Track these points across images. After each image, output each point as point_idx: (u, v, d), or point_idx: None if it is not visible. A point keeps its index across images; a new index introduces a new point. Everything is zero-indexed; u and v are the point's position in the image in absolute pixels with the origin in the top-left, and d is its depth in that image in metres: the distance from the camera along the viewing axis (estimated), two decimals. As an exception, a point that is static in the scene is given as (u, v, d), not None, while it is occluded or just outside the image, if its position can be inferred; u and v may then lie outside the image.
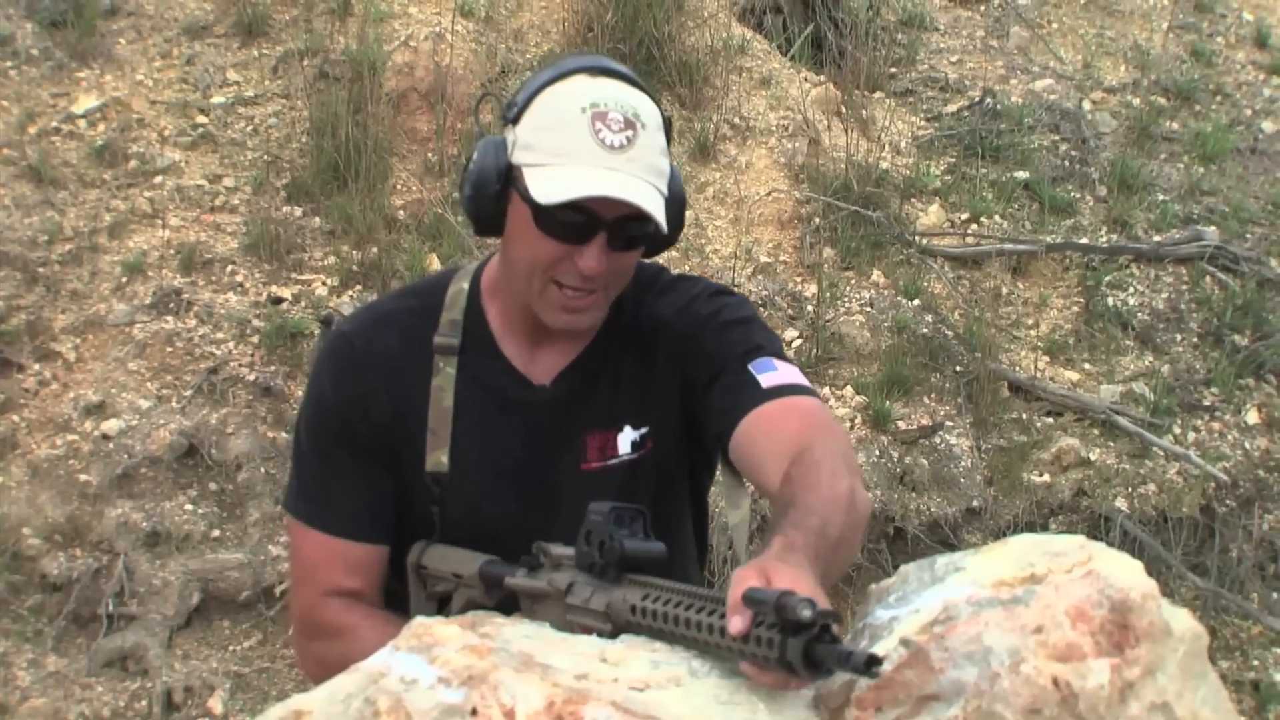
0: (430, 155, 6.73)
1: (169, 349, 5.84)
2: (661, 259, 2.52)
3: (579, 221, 2.21)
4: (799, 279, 6.81)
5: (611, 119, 2.22)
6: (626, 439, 2.42)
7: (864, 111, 7.78)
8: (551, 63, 2.38)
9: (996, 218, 7.46)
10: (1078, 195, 7.73)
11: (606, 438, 2.42)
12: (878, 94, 8.08)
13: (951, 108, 8.15)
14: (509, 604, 2.09)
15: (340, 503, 2.43)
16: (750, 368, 2.31)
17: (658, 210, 2.21)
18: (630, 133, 2.22)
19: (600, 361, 2.44)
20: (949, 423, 6.42)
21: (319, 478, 2.47)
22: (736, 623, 1.63)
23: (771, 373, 2.31)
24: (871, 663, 1.50)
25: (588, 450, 2.42)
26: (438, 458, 2.39)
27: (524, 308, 2.38)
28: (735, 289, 2.60)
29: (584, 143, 2.20)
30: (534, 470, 2.41)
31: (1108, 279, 7.27)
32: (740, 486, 2.43)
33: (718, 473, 2.54)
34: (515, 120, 2.30)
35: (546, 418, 2.42)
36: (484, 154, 2.31)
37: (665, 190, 2.26)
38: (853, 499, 2.04)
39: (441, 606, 2.34)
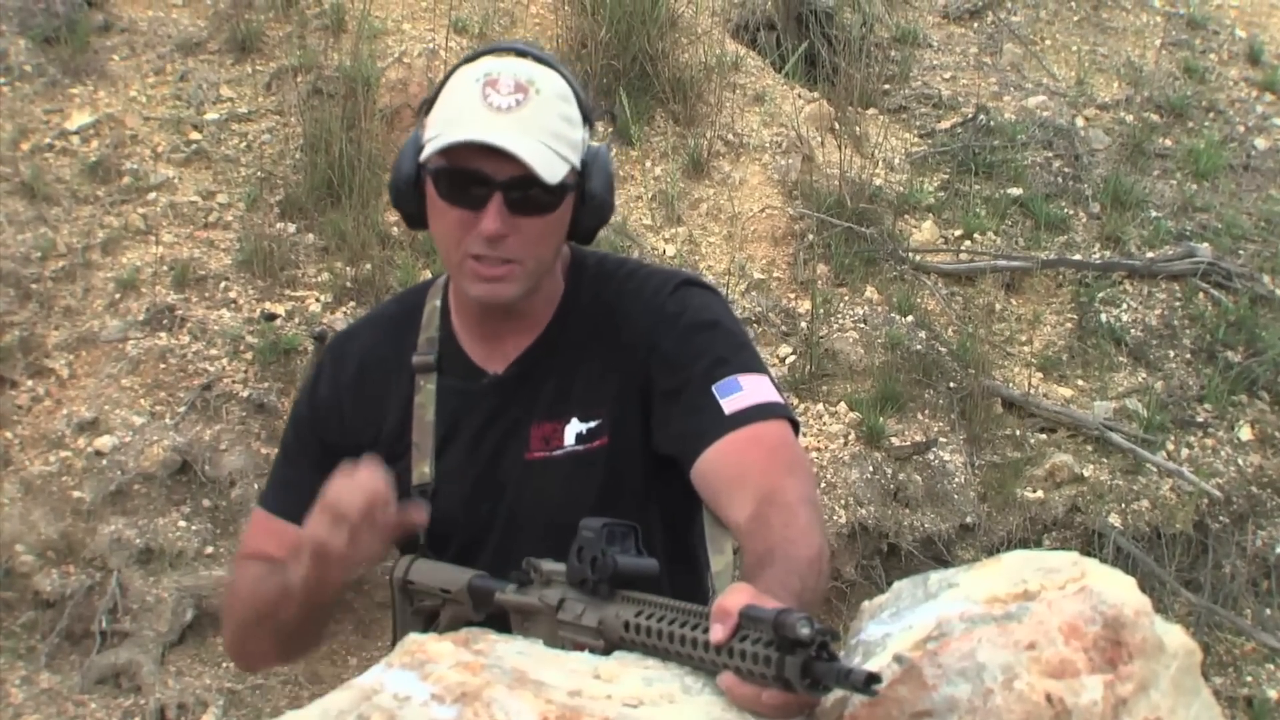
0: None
1: (162, 365, 5.84)
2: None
3: (472, 184, 2.23)
4: (792, 295, 6.82)
5: (502, 84, 2.25)
6: (572, 430, 2.40)
7: (857, 128, 7.79)
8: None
9: (990, 234, 7.47)
10: (1071, 212, 7.73)
11: (554, 428, 2.40)
12: (871, 110, 8.09)
13: (945, 124, 8.15)
14: (497, 620, 2.09)
15: (289, 486, 2.51)
16: (714, 390, 2.29)
17: (542, 163, 2.21)
18: (520, 95, 2.24)
19: (553, 350, 2.43)
20: (942, 439, 6.42)
21: (279, 469, 2.59)
22: (718, 631, 1.64)
23: (735, 395, 2.28)
24: (871, 680, 1.50)
25: (532, 440, 2.40)
26: (421, 469, 2.42)
27: (468, 300, 2.40)
28: (706, 280, 2.58)
29: (472, 107, 2.24)
30: (484, 460, 2.42)
31: (1101, 295, 7.28)
32: (723, 532, 2.41)
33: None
34: (427, 111, 2.35)
35: (496, 406, 2.42)
36: (403, 148, 2.37)
37: (566, 155, 2.27)
38: (824, 560, 2.07)
39: (428, 623, 2.34)
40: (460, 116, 2.24)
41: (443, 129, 2.25)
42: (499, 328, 2.42)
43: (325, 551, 2.17)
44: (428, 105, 2.36)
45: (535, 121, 2.24)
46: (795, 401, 6.34)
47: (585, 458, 2.39)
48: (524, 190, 2.23)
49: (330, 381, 2.52)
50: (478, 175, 2.22)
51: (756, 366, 2.36)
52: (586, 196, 2.34)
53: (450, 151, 2.23)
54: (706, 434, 2.27)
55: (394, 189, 2.37)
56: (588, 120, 2.37)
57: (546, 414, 2.41)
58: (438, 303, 2.51)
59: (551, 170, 2.23)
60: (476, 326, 2.44)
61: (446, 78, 2.35)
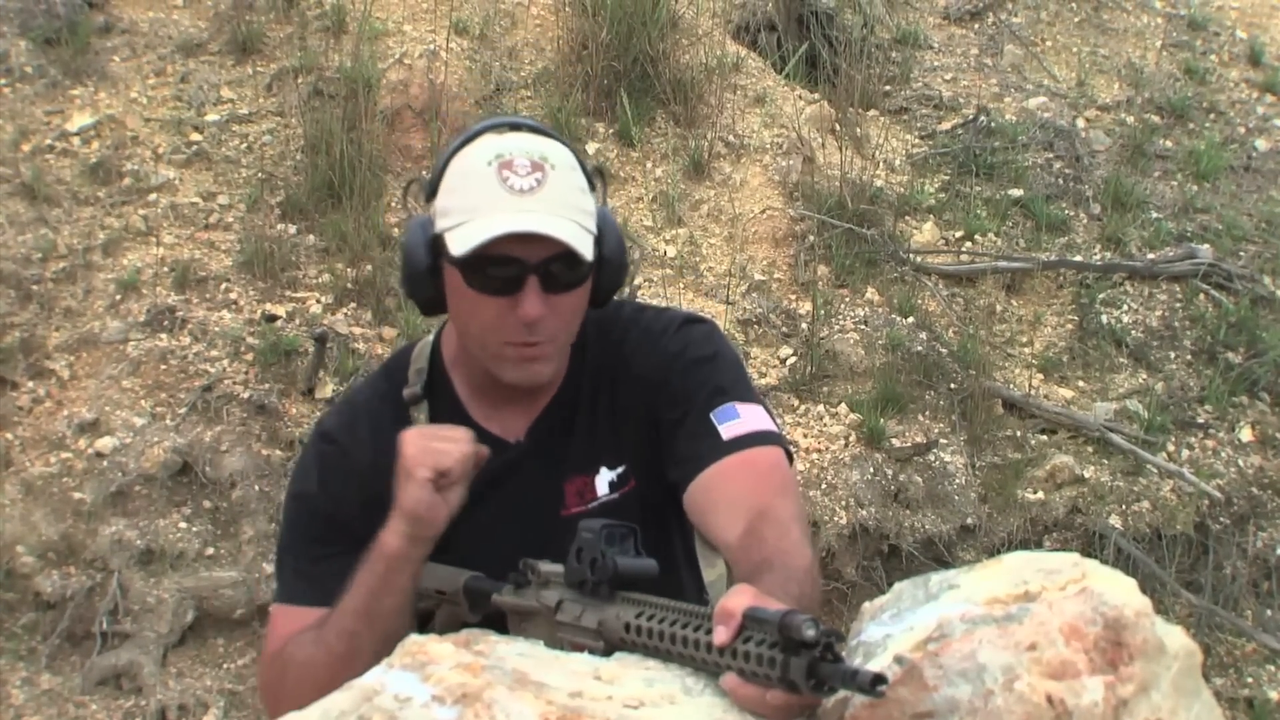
0: (424, 173, 6.72)
1: (163, 366, 5.84)
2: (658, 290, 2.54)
3: (506, 271, 2.22)
4: (793, 296, 6.82)
5: (518, 165, 2.23)
6: (604, 480, 2.43)
7: (858, 129, 7.79)
8: (461, 132, 2.40)
9: (990, 235, 7.47)
10: (1071, 213, 7.73)
11: (585, 481, 2.42)
12: (872, 112, 8.09)
13: (945, 125, 8.16)
14: (494, 621, 2.09)
15: (311, 575, 2.41)
16: (712, 417, 2.32)
17: (578, 241, 2.21)
18: (539, 174, 2.22)
19: (570, 407, 2.44)
20: (943, 440, 6.42)
21: (297, 566, 2.46)
22: (721, 633, 1.64)
23: (733, 421, 2.31)
24: (877, 681, 1.50)
25: (566, 497, 2.42)
26: None
27: (486, 372, 2.38)
28: (706, 316, 2.59)
29: (493, 192, 2.21)
30: (523, 527, 2.40)
31: (1102, 296, 7.28)
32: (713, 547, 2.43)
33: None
34: (433, 193, 2.32)
35: (524, 474, 2.42)
36: (411, 233, 2.33)
37: (590, 227, 2.27)
38: (816, 574, 2.10)
39: (424, 624, 2.34)
40: (484, 204, 2.22)
41: (467, 218, 2.22)
42: (515, 395, 2.42)
43: (445, 474, 2.19)
44: (431, 189, 2.33)
45: (559, 199, 2.23)
46: (796, 403, 6.35)
47: (620, 504, 2.42)
48: (558, 269, 2.23)
49: (342, 468, 2.43)
50: (511, 261, 2.21)
51: (753, 397, 2.40)
52: (604, 262, 2.34)
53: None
54: (704, 458, 2.30)
55: (409, 282, 2.34)
56: (592, 185, 2.37)
57: (577, 469, 2.43)
58: (430, 339, 2.52)
59: (585, 246, 2.23)
60: (491, 397, 2.43)
61: (447, 159, 2.32)
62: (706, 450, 2.30)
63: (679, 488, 2.33)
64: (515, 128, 2.33)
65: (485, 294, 2.24)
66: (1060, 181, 7.90)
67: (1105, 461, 6.59)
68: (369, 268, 6.26)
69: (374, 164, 6.59)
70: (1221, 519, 6.60)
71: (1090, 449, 6.65)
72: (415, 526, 2.20)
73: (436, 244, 2.28)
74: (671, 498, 2.40)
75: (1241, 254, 7.72)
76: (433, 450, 2.18)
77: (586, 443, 2.43)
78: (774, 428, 2.36)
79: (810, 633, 1.54)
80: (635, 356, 2.44)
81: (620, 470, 2.43)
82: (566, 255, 2.21)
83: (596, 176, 2.40)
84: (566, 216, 2.22)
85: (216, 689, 5.30)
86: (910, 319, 6.86)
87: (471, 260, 2.21)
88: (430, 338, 2.51)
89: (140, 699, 5.24)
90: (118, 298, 6.04)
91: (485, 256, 2.20)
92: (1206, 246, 7.59)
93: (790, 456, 2.37)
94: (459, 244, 2.21)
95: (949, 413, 6.54)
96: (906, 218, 7.44)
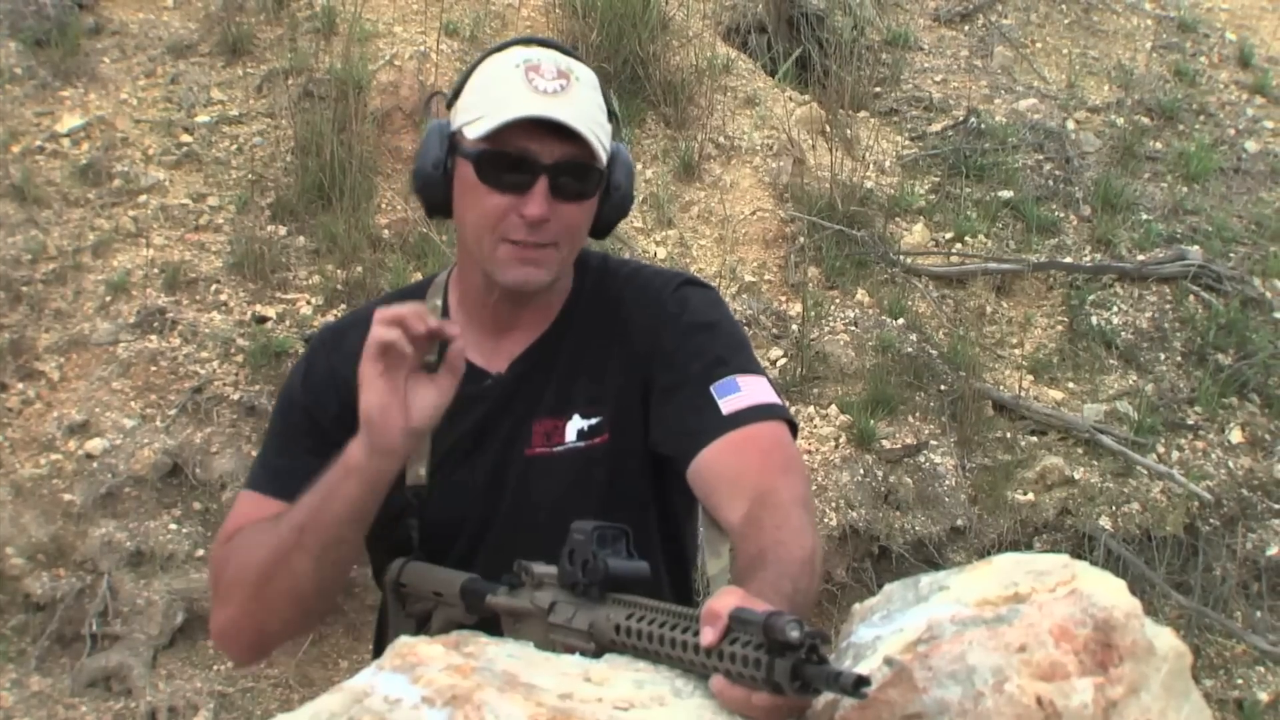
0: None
1: (153, 368, 5.83)
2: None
3: (517, 167, 2.23)
4: (784, 298, 6.82)
5: (545, 69, 2.26)
6: (575, 427, 2.40)
7: (848, 131, 7.79)
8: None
9: (981, 237, 7.48)
10: (1061, 214, 7.74)
11: (555, 425, 2.40)
12: (862, 113, 8.09)
13: (936, 127, 8.16)
14: (489, 623, 2.08)
15: (280, 469, 2.41)
16: (712, 390, 2.30)
17: (595, 143, 2.23)
18: (564, 81, 2.26)
19: (557, 348, 2.43)
20: (933, 441, 6.42)
21: (270, 457, 2.49)
22: (708, 634, 1.64)
23: (734, 395, 2.29)
24: (860, 683, 1.50)
25: (533, 436, 2.40)
26: (417, 471, 2.40)
27: (483, 293, 2.39)
28: (707, 281, 2.59)
29: (518, 90, 2.24)
30: (487, 459, 2.41)
31: (1091, 298, 7.28)
32: (721, 535, 2.38)
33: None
34: (456, 97, 2.35)
35: (498, 404, 2.41)
36: (429, 131, 2.35)
37: (605, 144, 2.29)
38: (816, 561, 2.07)
39: (421, 625, 2.33)
40: (507, 99, 2.24)
41: (488, 110, 2.25)
42: (508, 321, 2.42)
43: (389, 349, 2.05)
44: (454, 94, 2.36)
45: (580, 106, 2.26)
46: (787, 404, 6.34)
47: (586, 455, 2.40)
48: (568, 174, 2.25)
49: (326, 370, 2.45)
50: (525, 157, 2.23)
51: (755, 368, 2.38)
52: (611, 188, 2.36)
53: (496, 135, 2.23)
54: (704, 433, 2.27)
55: (420, 176, 2.35)
56: (612, 115, 2.40)
57: (549, 410, 2.41)
58: (439, 302, 2.50)
59: (600, 153, 2.26)
60: (487, 320, 2.43)
61: (473, 68, 2.35)
62: (706, 426, 2.27)
63: (677, 462, 2.31)
64: (544, 43, 2.37)
65: (494, 189, 2.25)
66: (1050, 183, 7.91)
67: (1095, 463, 6.60)
68: (359, 269, 6.25)
69: (364, 165, 6.59)
70: (1211, 520, 6.61)
71: (1080, 450, 6.65)
72: (369, 433, 2.10)
73: (452, 140, 2.31)
74: (652, 465, 2.39)
75: (1231, 255, 7.74)
76: (374, 334, 2.08)
77: (565, 386, 2.41)
78: (776, 400, 2.34)
79: (794, 634, 1.53)
80: (631, 311, 2.43)
81: (594, 421, 2.40)
82: (578, 163, 2.24)
83: (613, 120, 2.42)
84: (585, 124, 2.24)
85: (206, 691, 5.29)
86: (900, 320, 6.86)
87: (488, 154, 2.24)
88: (439, 300, 2.50)
89: (130, 701, 5.24)
90: (108, 299, 6.04)
91: (503, 152, 2.23)
92: (1196, 248, 7.60)
93: (794, 428, 2.35)
94: (478, 128, 2.24)
95: (939, 414, 6.54)
96: (897, 219, 7.45)
